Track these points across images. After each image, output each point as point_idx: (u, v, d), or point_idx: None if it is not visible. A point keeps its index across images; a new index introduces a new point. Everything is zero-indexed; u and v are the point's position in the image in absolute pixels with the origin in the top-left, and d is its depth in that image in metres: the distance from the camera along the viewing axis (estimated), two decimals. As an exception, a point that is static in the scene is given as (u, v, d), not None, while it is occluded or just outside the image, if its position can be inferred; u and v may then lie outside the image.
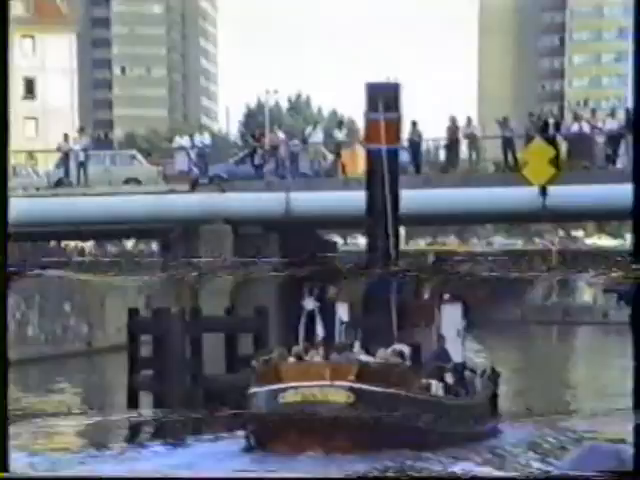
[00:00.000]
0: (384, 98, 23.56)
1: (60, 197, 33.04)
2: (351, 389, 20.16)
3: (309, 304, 22.85)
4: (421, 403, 20.87)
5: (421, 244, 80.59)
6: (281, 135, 35.77)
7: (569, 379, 40.47)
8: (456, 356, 22.82)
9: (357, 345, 21.82)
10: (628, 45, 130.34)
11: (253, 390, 20.79)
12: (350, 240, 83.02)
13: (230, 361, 28.57)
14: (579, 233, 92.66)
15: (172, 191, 33.24)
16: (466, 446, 20.75)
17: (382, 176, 23.42)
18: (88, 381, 41.41)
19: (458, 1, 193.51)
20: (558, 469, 17.13)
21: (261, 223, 32.50)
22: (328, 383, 20.17)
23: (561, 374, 41.34)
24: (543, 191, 30.76)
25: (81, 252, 52.89)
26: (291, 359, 21.11)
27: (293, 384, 20.26)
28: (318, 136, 35.00)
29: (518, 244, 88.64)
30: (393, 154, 23.65)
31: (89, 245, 53.74)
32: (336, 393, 20.11)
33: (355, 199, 32.10)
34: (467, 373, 22.86)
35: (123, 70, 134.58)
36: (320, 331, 22.54)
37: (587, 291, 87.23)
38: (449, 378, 21.89)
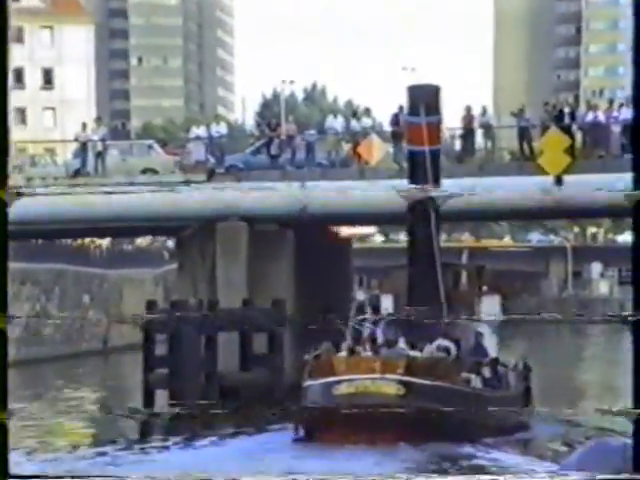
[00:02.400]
0: (425, 102, 24.64)
1: (77, 195, 33.01)
2: (401, 382, 21.47)
3: (360, 295, 24.41)
4: (465, 395, 22.10)
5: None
6: (293, 126, 35.83)
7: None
8: (491, 349, 24.01)
9: (401, 340, 22.94)
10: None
11: (307, 383, 22.09)
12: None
13: (243, 355, 28.80)
14: (597, 229, 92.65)
15: (188, 181, 33.33)
16: (502, 436, 21.79)
17: (425, 175, 24.35)
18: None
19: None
20: (563, 468, 17.26)
21: (276, 217, 32.38)
22: (379, 376, 21.49)
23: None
24: (558, 180, 30.77)
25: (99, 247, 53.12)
26: (342, 353, 22.39)
27: (347, 377, 21.55)
28: (338, 126, 34.90)
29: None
30: (435, 154, 24.72)
31: (105, 242, 53.96)
32: (387, 385, 21.40)
33: (371, 189, 32.21)
34: (500, 368, 23.86)
35: (140, 60, 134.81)
36: (368, 325, 23.76)
37: (603, 283, 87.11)
38: (486, 372, 23.04)
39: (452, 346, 22.96)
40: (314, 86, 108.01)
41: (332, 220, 34.95)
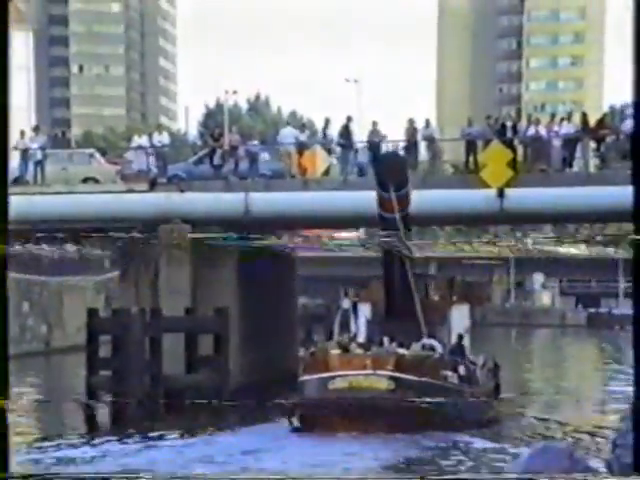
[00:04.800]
0: (394, 181, 26.49)
1: (18, 195, 32.63)
2: (391, 377, 23.17)
3: (345, 303, 26.32)
4: (447, 390, 23.74)
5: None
6: (236, 136, 35.68)
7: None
8: (466, 349, 26.21)
9: (386, 340, 24.72)
10: (584, 49, 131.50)
11: (303, 378, 23.64)
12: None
13: (190, 361, 28.59)
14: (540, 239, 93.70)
15: (130, 190, 33.05)
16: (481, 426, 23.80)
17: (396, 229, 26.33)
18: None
19: (417, 3, 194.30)
20: (509, 470, 17.74)
21: (220, 223, 32.40)
22: (371, 372, 23.13)
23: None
24: (501, 193, 30.99)
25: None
26: (335, 351, 24.07)
27: (341, 372, 23.15)
28: (290, 137, 34.65)
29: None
30: (405, 215, 26.79)
31: (46, 249, 53.21)
32: (378, 381, 23.08)
33: (314, 200, 32.24)
34: (471, 365, 25.79)
35: (81, 68, 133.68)
36: (353, 327, 25.98)
37: (545, 294, 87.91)
38: (461, 370, 24.87)
39: (437, 345, 24.90)
40: (257, 97, 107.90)
41: (276, 224, 34.89)
